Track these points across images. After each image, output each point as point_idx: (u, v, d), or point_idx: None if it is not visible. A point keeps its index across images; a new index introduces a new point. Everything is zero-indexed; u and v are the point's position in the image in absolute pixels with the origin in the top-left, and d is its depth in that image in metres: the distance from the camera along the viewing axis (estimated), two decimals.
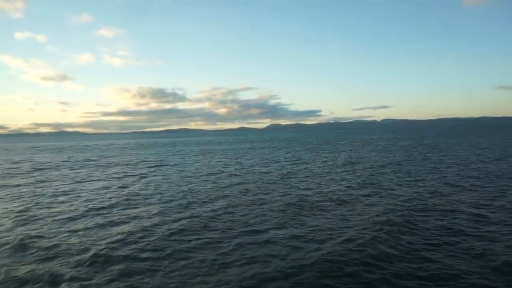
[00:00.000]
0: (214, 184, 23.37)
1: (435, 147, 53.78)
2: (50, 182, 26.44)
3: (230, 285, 8.31)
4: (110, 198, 19.43)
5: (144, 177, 28.30)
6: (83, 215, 15.48)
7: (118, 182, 25.91)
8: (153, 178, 27.76)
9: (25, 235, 12.41)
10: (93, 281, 8.66)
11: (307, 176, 26.13)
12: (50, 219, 14.94)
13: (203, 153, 58.64)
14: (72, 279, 8.77)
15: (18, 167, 39.70)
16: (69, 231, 13.10)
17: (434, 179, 23.01)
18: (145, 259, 10.09)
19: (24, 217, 15.38)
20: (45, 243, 11.64)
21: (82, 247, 11.16)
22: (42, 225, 13.97)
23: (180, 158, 49.47)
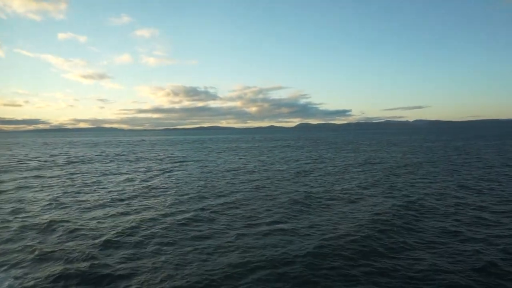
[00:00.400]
0: (230, 180, 24.41)
1: (462, 149, 52.29)
2: (81, 174, 28.49)
3: (224, 270, 9.21)
4: (132, 190, 20.91)
5: (167, 172, 29.82)
6: (104, 204, 16.94)
7: (142, 175, 27.54)
8: (175, 173, 29.22)
9: (51, 220, 13.94)
10: (105, 261, 9.84)
11: (321, 175, 26.64)
12: (75, 206, 16.50)
13: (228, 151, 60.07)
14: (87, 259, 10.00)
15: (54, 160, 42.61)
16: (90, 217, 14.51)
17: (448, 181, 22.88)
18: (153, 244, 11.21)
19: (52, 204, 17.06)
20: (67, 226, 13.07)
21: (98, 232, 12.47)
22: (67, 212, 15.51)
23: (205, 154, 51.07)
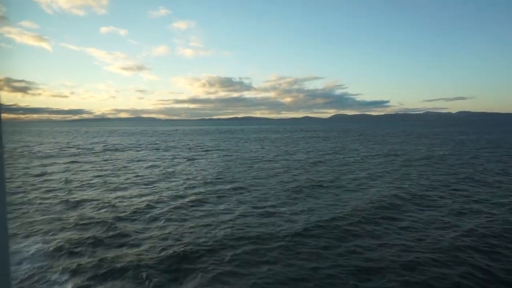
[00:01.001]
0: (247, 168, 25.84)
1: (495, 142, 50.53)
2: (113, 161, 31.09)
3: (218, 239, 10.66)
4: (156, 175, 22.90)
5: (192, 160, 31.80)
6: (127, 186, 18.97)
7: (168, 163, 29.63)
8: (200, 161, 31.09)
9: (80, 198, 16.05)
10: (121, 231, 11.60)
11: (337, 165, 27.42)
12: (103, 188, 18.63)
13: (256, 140, 61.64)
14: (108, 229, 11.80)
15: (92, 148, 46.10)
16: (114, 196, 16.50)
17: (460, 173, 22.99)
18: (164, 219, 12.89)
19: (82, 185, 19.32)
20: (93, 203, 15.09)
21: (119, 208, 14.35)
22: (95, 191, 17.64)
23: (231, 144, 52.94)
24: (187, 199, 15.91)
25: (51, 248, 10.01)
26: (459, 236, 10.96)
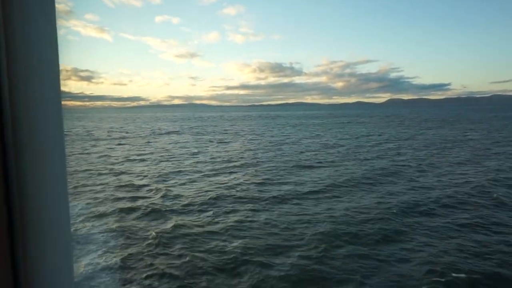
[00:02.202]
0: (267, 152, 28.22)
1: None
2: (151, 143, 35.13)
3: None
4: (180, 154, 26.17)
5: (222, 142, 34.91)
6: (152, 160, 22.36)
7: (195, 145, 32.89)
8: (229, 143, 34.01)
9: (116, 170, 19.63)
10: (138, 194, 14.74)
11: (352, 153, 28.90)
12: (135, 163, 22.19)
13: (292, 126, 63.63)
14: (130, 196, 15.00)
15: (138, 132, 51.18)
16: (139, 170, 19.87)
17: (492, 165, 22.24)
18: (165, 187, 15.87)
19: (120, 161, 23.05)
20: (121, 176, 18.54)
21: (137, 177, 17.62)
22: (128, 165, 21.19)
23: (267, 129, 55.49)
24: (194, 175, 18.77)
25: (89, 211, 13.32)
26: None
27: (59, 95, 0.71)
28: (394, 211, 11.58)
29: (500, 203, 12.57)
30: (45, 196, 0.68)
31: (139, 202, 13.28)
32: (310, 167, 20.53)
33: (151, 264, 8.00)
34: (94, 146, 32.57)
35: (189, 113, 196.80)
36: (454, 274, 7.34)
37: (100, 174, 18.85)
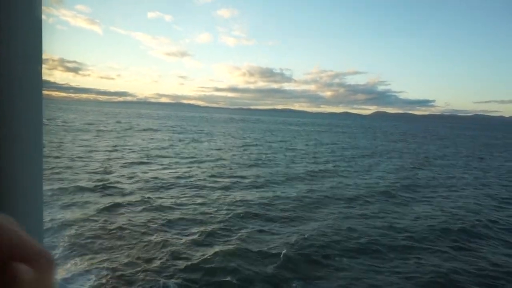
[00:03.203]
0: (230, 151, 29.98)
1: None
2: (126, 137, 36.44)
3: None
4: (145, 148, 27.67)
5: (193, 141, 36.48)
6: (119, 155, 23.81)
7: (167, 143, 34.40)
8: (199, 142, 35.62)
9: (85, 164, 21.03)
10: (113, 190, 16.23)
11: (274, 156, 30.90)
12: (95, 153, 23.60)
13: (267, 130, 65.60)
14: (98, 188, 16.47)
15: (115, 127, 52.22)
16: (99, 159, 21.33)
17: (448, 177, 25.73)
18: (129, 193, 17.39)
19: (78, 152, 24.43)
20: (87, 169, 19.96)
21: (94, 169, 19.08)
22: (96, 162, 22.59)
23: (243, 132, 57.27)
24: (154, 174, 20.37)
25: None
26: None
27: (40, 83, 0.71)
28: (293, 201, 13.52)
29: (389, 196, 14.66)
30: (20, 185, 0.68)
31: (81, 182, 14.88)
32: (256, 165, 22.52)
33: (81, 234, 9.60)
34: (65, 136, 33.70)
35: (173, 112, 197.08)
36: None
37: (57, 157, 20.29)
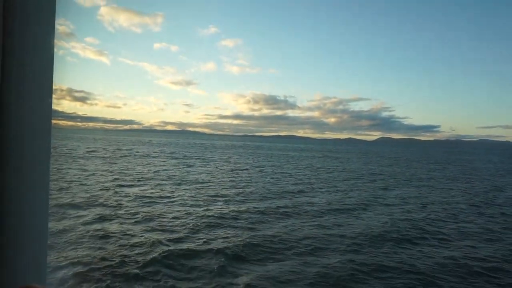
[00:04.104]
0: (222, 174, 31.84)
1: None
2: (124, 164, 38.51)
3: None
4: (138, 173, 29.61)
5: (187, 166, 38.41)
6: (120, 183, 25.75)
7: (165, 168, 36.39)
8: (192, 167, 37.58)
9: (80, 179, 22.98)
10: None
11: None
12: (100, 185, 25.57)
13: (263, 155, 67.48)
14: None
15: (116, 154, 54.51)
16: (101, 188, 23.25)
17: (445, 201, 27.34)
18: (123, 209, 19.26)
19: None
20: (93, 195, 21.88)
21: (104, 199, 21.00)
22: (93, 185, 24.55)
23: (239, 157, 59.22)
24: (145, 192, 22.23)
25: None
26: None
27: (50, 113, 0.74)
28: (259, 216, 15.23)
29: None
30: (28, 214, 0.72)
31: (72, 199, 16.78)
32: (239, 186, 24.33)
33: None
34: (66, 162, 35.89)
35: (176, 139, 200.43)
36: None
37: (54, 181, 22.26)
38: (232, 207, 17.20)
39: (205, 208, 16.86)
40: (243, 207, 17.28)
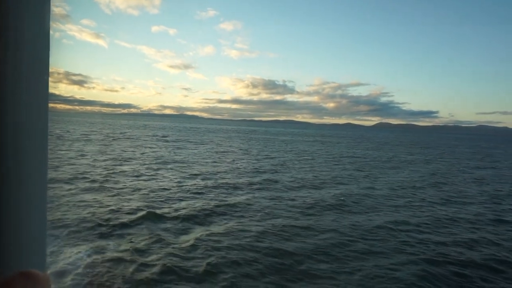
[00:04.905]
0: (209, 157, 33.72)
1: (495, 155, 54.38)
2: (113, 146, 40.32)
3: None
4: (133, 157, 31.44)
5: (178, 148, 40.24)
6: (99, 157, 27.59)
7: (157, 150, 38.21)
8: (182, 149, 39.42)
9: (77, 173, 24.83)
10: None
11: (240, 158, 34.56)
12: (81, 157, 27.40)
13: (254, 140, 69.37)
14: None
15: (109, 137, 56.28)
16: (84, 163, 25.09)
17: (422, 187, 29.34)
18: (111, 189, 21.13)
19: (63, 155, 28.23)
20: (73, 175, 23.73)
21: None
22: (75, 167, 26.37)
23: (230, 141, 61.11)
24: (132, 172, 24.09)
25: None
26: None
27: (47, 96, 0.73)
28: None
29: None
30: (25, 191, 0.71)
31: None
32: (218, 166, 26.31)
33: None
34: (58, 144, 37.68)
35: (173, 123, 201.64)
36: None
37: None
38: (205, 183, 19.17)
39: (181, 183, 18.82)
40: (218, 183, 19.26)
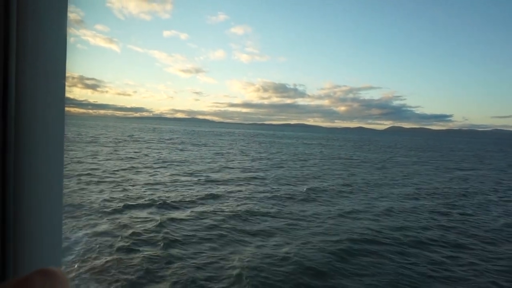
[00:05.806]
0: (208, 159, 35.94)
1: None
2: (121, 147, 42.89)
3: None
4: (135, 157, 33.84)
5: (180, 150, 42.58)
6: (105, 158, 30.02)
7: (160, 152, 40.59)
8: (184, 152, 41.72)
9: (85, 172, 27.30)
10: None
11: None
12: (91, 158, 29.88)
13: (257, 143, 71.43)
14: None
15: (123, 140, 59.04)
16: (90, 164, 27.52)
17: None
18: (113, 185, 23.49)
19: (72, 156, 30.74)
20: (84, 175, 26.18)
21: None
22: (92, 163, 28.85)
23: (233, 144, 63.28)
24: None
25: None
26: None
27: (63, 100, 0.75)
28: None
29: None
30: (41, 195, 0.73)
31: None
32: (216, 166, 28.47)
33: None
34: (69, 146, 40.41)
35: (183, 127, 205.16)
36: None
37: None
38: (197, 178, 21.39)
39: (175, 178, 21.06)
40: (210, 178, 21.49)
